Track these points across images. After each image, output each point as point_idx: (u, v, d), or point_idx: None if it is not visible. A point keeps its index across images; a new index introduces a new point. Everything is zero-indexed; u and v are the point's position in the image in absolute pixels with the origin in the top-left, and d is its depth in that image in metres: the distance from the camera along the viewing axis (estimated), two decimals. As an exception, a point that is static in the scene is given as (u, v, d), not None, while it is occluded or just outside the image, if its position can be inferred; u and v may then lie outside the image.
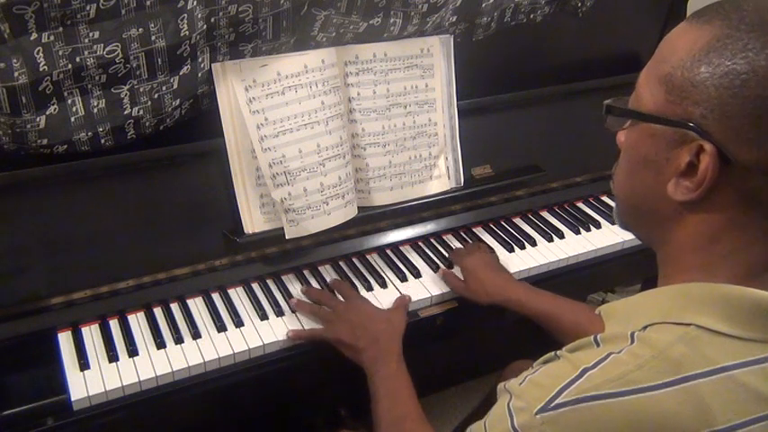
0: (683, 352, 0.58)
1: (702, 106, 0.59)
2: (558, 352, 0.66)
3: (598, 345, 0.64)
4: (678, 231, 0.65)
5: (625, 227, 0.74)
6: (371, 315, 1.12)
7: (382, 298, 1.21)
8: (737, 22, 0.58)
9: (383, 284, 1.24)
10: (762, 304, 0.60)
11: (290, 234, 1.19)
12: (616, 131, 0.70)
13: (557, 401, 0.59)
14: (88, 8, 0.93)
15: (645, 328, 0.62)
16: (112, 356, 1.05)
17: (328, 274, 1.26)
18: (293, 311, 1.16)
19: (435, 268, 1.29)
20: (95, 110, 1.03)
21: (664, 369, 0.58)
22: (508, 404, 0.63)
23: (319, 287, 1.23)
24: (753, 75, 0.56)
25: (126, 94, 1.04)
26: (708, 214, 0.62)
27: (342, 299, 1.17)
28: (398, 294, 1.22)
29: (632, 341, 0.61)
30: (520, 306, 1.14)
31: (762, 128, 0.56)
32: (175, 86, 1.08)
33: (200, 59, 1.08)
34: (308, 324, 1.14)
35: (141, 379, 1.02)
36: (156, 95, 1.07)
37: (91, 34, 0.95)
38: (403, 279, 1.26)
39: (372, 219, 1.31)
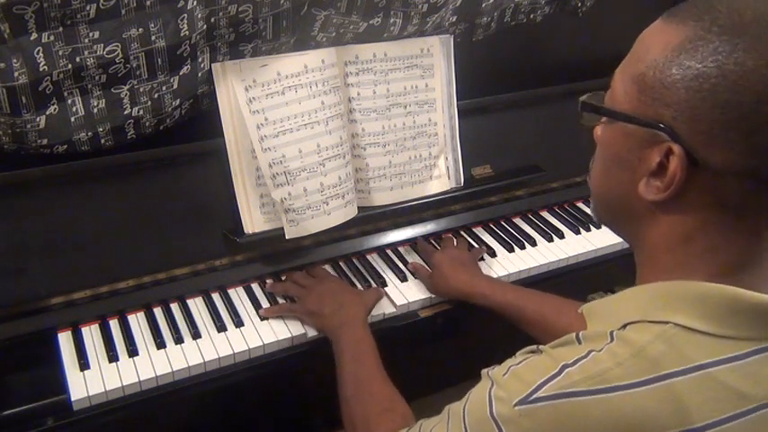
0: (661, 350, 0.59)
1: (673, 108, 0.59)
2: (541, 347, 0.67)
3: (580, 342, 0.64)
4: (652, 230, 0.65)
5: (602, 222, 0.75)
6: (341, 287, 1.17)
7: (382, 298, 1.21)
8: (710, 24, 0.58)
9: (383, 284, 1.24)
10: (738, 302, 0.60)
11: (289, 234, 1.19)
12: (593, 127, 0.70)
13: (535, 395, 0.59)
14: (88, 8, 0.93)
15: (624, 326, 0.62)
16: (112, 356, 1.04)
17: (328, 274, 1.26)
18: (269, 294, 1.20)
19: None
20: (95, 110, 1.03)
21: (642, 367, 0.58)
22: (490, 391, 0.63)
23: None
24: (722, 79, 0.56)
25: (126, 94, 1.04)
26: (680, 214, 0.62)
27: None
28: (398, 294, 1.22)
29: (611, 340, 0.61)
30: (484, 299, 1.14)
31: (731, 131, 0.56)
32: (175, 86, 1.08)
33: (200, 59, 1.08)
34: (307, 326, 1.14)
35: (141, 379, 1.02)
36: (156, 95, 1.07)
37: (91, 34, 0.95)
38: (403, 279, 1.26)
39: (372, 219, 1.31)
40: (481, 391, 0.65)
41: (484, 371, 0.69)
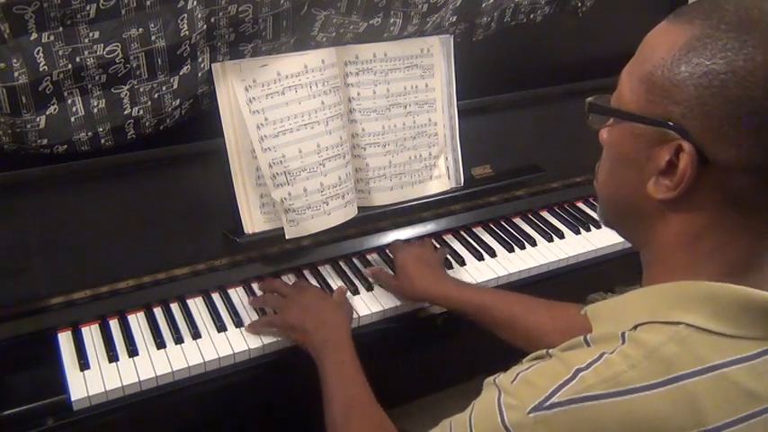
0: (674, 351, 0.59)
1: (682, 105, 0.59)
2: (550, 350, 0.66)
3: (589, 345, 0.64)
4: (661, 230, 0.65)
5: (609, 225, 0.74)
6: (322, 300, 1.13)
7: (382, 298, 1.21)
8: (717, 22, 0.58)
9: (383, 284, 1.24)
10: (749, 301, 0.60)
11: (290, 234, 1.19)
12: (599, 129, 0.70)
13: (550, 401, 0.59)
14: (88, 8, 0.93)
15: (635, 327, 0.62)
16: (112, 356, 1.04)
17: (328, 274, 1.26)
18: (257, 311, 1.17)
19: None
20: (95, 110, 1.03)
21: (656, 369, 0.58)
22: (498, 400, 0.62)
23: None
24: (732, 75, 0.56)
25: (126, 94, 1.04)
26: (690, 213, 0.62)
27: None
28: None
29: (623, 341, 0.61)
30: (450, 301, 1.12)
31: (741, 127, 0.57)
32: (175, 86, 1.08)
33: (200, 59, 1.08)
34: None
35: (141, 379, 1.02)
36: (156, 95, 1.07)
37: (91, 34, 0.96)
38: (403, 279, 1.26)
39: (372, 219, 1.31)
40: (488, 400, 0.64)
41: (488, 380, 0.68)
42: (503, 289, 1.29)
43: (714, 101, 0.57)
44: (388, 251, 1.29)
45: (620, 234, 0.74)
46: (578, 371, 0.60)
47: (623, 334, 0.61)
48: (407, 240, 1.34)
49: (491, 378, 0.68)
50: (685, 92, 0.59)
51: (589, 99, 0.69)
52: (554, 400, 0.59)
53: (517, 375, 0.64)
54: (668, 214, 0.64)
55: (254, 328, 1.11)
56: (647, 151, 0.63)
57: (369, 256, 1.31)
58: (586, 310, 0.70)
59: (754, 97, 0.56)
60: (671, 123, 0.60)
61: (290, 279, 1.24)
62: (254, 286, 1.21)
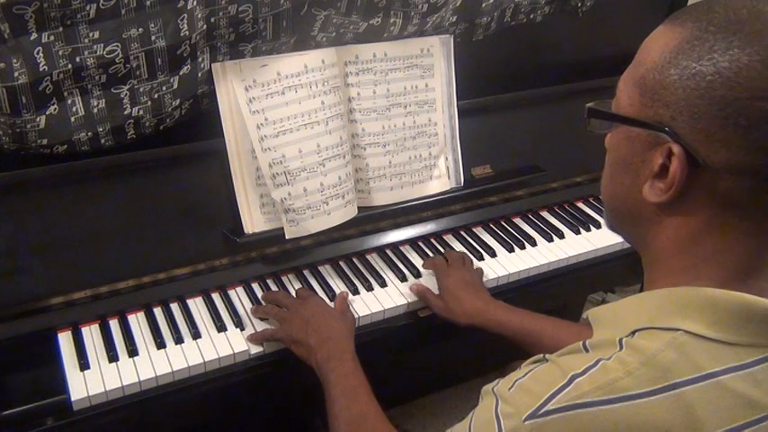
0: (671, 358, 0.58)
1: (672, 108, 0.59)
2: (547, 355, 0.66)
3: (587, 350, 0.64)
4: (659, 233, 0.65)
5: (613, 229, 0.75)
6: (324, 312, 1.11)
7: (382, 298, 1.21)
8: (707, 24, 0.58)
9: (383, 284, 1.24)
10: (748, 308, 0.60)
11: (289, 234, 1.19)
12: (604, 134, 0.70)
13: (546, 408, 0.59)
14: (88, 8, 0.93)
15: (633, 333, 0.62)
16: (112, 356, 1.04)
17: (328, 274, 1.26)
18: (261, 319, 1.15)
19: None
20: (95, 110, 1.03)
21: (652, 376, 0.58)
22: (496, 409, 0.62)
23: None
24: (718, 76, 0.56)
25: (126, 94, 1.04)
26: (685, 216, 0.62)
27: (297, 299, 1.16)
28: (398, 294, 1.22)
29: (620, 347, 0.61)
30: (500, 327, 1.11)
31: (729, 129, 0.56)
32: (175, 86, 1.08)
33: (200, 59, 1.08)
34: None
35: (141, 379, 1.02)
36: (156, 95, 1.07)
37: (91, 34, 0.96)
38: (403, 279, 1.26)
39: (372, 219, 1.31)
40: (486, 410, 0.64)
41: (486, 387, 0.68)
42: (503, 289, 1.29)
43: (701, 102, 0.57)
44: (423, 266, 1.27)
45: (624, 239, 0.74)
46: (574, 377, 0.60)
47: (620, 340, 0.61)
48: (407, 240, 1.34)
49: (489, 386, 0.67)
50: (674, 94, 0.59)
51: (589, 104, 0.69)
52: (549, 407, 0.59)
53: (514, 383, 0.64)
54: (664, 218, 0.64)
55: (256, 340, 1.10)
56: (643, 155, 0.63)
57: (369, 256, 1.31)
58: (588, 314, 0.70)
59: (741, 98, 0.56)
60: (662, 126, 0.60)
61: (290, 279, 1.24)
62: (254, 286, 1.22)
